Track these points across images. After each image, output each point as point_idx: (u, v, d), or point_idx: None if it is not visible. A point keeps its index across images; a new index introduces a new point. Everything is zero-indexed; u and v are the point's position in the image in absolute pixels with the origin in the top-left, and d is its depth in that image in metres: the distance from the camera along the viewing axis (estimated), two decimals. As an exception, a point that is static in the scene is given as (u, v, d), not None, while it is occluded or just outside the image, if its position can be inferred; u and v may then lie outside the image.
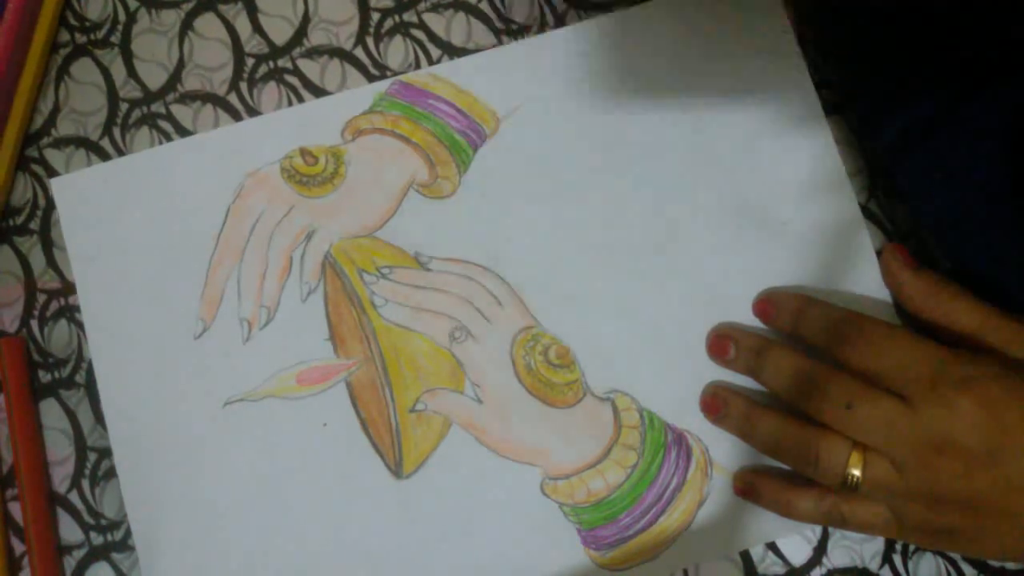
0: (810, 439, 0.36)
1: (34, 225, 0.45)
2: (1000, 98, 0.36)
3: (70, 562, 0.43)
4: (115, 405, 0.43)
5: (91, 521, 0.43)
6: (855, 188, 0.42)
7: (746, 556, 0.41)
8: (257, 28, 0.45)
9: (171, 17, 0.46)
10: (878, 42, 0.39)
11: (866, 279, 0.42)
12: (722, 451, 0.41)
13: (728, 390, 0.41)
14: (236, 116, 0.45)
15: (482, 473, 0.41)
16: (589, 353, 0.42)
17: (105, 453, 0.43)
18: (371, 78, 0.45)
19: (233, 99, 0.45)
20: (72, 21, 0.46)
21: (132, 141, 0.45)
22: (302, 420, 0.42)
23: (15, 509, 0.43)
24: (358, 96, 0.44)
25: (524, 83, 0.44)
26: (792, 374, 0.38)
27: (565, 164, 0.43)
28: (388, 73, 0.45)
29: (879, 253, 0.41)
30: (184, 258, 0.44)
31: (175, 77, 0.45)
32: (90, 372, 0.43)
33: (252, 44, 0.45)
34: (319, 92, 0.45)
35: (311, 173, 0.44)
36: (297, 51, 0.45)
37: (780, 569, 0.41)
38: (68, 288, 0.44)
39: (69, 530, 0.43)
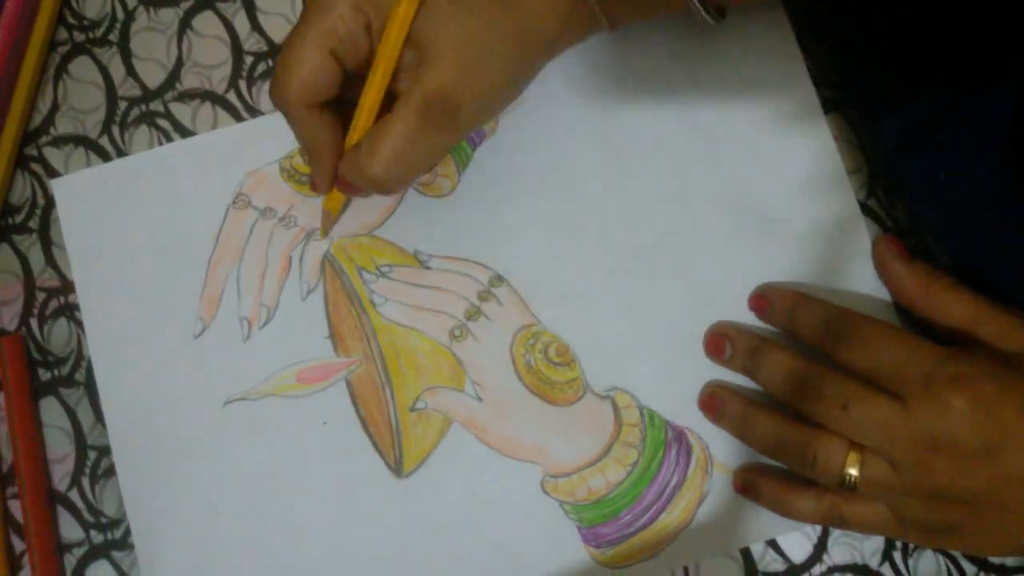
0: (807, 440, 0.37)
1: (33, 223, 0.45)
2: (1000, 97, 0.36)
3: (70, 560, 0.43)
4: (115, 404, 0.43)
5: (91, 519, 0.43)
6: (854, 186, 0.42)
7: (746, 553, 0.41)
8: (256, 26, 0.45)
9: (169, 15, 0.46)
10: (878, 40, 0.38)
11: (865, 276, 0.42)
12: (722, 449, 0.41)
13: (726, 390, 0.41)
14: (235, 114, 0.45)
15: (482, 471, 0.41)
16: (589, 351, 0.42)
17: (105, 451, 0.43)
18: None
19: (232, 97, 0.45)
20: (70, 19, 0.46)
21: (131, 139, 0.45)
22: (302, 419, 0.42)
23: (15, 507, 0.43)
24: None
25: (523, 81, 0.44)
26: (788, 375, 0.38)
27: (564, 162, 0.43)
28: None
29: (873, 245, 0.41)
30: (184, 257, 0.44)
31: (174, 75, 0.45)
32: (90, 370, 0.43)
33: (251, 42, 0.45)
34: (318, 90, 0.45)
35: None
36: (296, 49, 0.45)
37: (780, 566, 0.41)
38: (67, 286, 0.44)
39: (69, 528, 0.43)
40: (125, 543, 0.42)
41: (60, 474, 0.43)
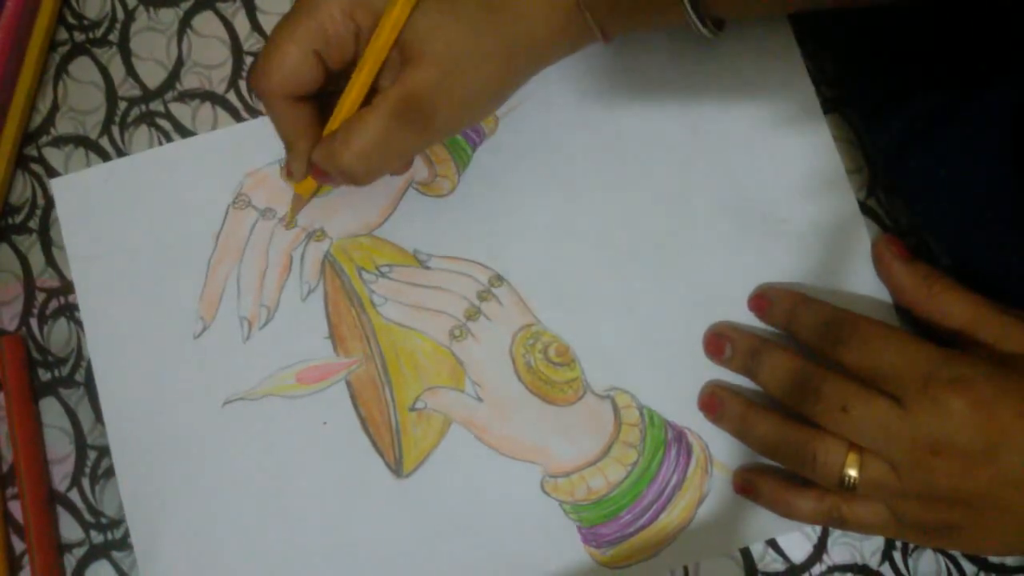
0: (806, 440, 0.37)
1: (33, 224, 0.45)
2: (1000, 97, 0.36)
3: (70, 560, 0.43)
4: (115, 404, 0.43)
5: (91, 519, 0.43)
6: (854, 186, 0.42)
7: (746, 553, 0.41)
8: (256, 26, 0.45)
9: (169, 15, 0.46)
10: (878, 41, 0.38)
11: (865, 276, 0.42)
12: (722, 448, 0.41)
13: (726, 390, 0.41)
14: (235, 114, 0.45)
15: (482, 471, 0.41)
16: (589, 351, 0.42)
17: (105, 451, 0.43)
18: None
19: (232, 97, 0.45)
20: (70, 19, 0.46)
21: (131, 140, 0.45)
22: (302, 419, 0.42)
23: (15, 507, 0.43)
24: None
25: (523, 81, 0.44)
26: (787, 376, 0.38)
27: (564, 162, 0.43)
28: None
29: (873, 245, 0.41)
30: (184, 257, 0.44)
31: (174, 75, 0.45)
32: (90, 370, 0.43)
33: (251, 42, 0.45)
34: (318, 90, 0.45)
35: (310, 172, 0.44)
36: (296, 49, 0.45)
37: (780, 566, 0.41)
38: (67, 286, 0.44)
39: (69, 528, 0.43)
40: (125, 543, 0.42)
41: (60, 474, 0.43)
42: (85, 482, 0.43)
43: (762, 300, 0.41)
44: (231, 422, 0.42)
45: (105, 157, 0.45)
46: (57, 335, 0.44)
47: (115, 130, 0.45)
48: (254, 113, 0.45)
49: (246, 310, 0.43)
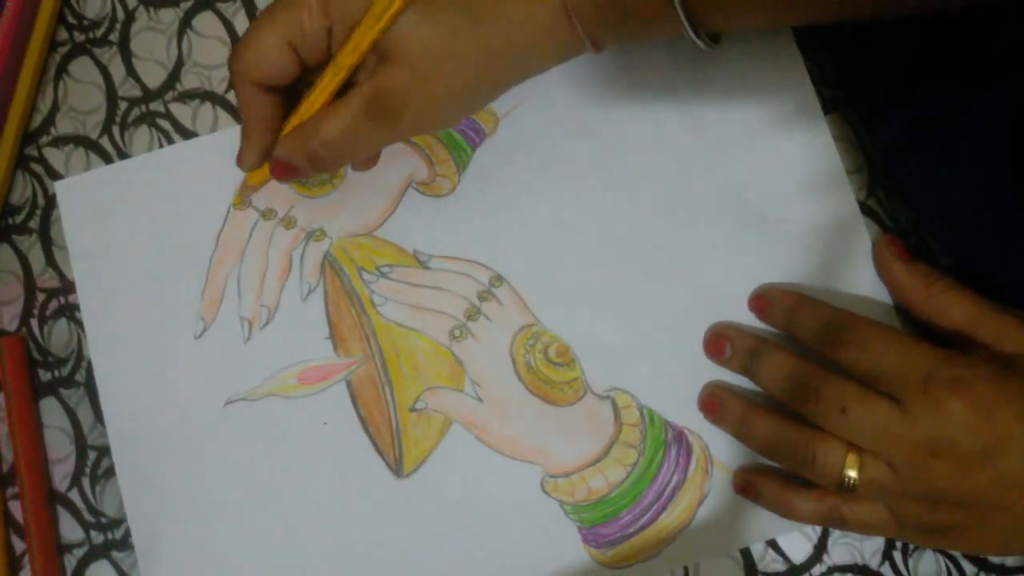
0: (806, 442, 0.37)
1: (33, 224, 0.45)
2: (1000, 97, 0.36)
3: (70, 560, 0.43)
4: (115, 404, 0.43)
5: (91, 519, 0.43)
6: (854, 186, 0.42)
7: (747, 553, 0.41)
8: (256, 26, 0.45)
9: (169, 15, 0.46)
10: (878, 41, 0.38)
11: (865, 277, 0.42)
12: (722, 449, 0.41)
13: (725, 390, 0.41)
14: (235, 114, 0.45)
15: (482, 471, 0.41)
16: (589, 351, 0.42)
17: (105, 451, 0.43)
18: (370, 76, 0.45)
19: (232, 97, 0.45)
20: (71, 20, 0.46)
21: (131, 140, 0.45)
22: (302, 419, 0.42)
23: (15, 507, 0.43)
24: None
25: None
26: (786, 376, 0.38)
27: (564, 162, 0.43)
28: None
29: (873, 245, 0.41)
30: (184, 258, 0.44)
31: (174, 76, 0.45)
32: (90, 371, 0.43)
33: (251, 42, 0.45)
34: (318, 90, 0.45)
35: (310, 172, 0.44)
36: (296, 49, 0.45)
37: (781, 566, 0.41)
38: (68, 287, 0.44)
39: (69, 528, 0.43)
40: (125, 543, 0.42)
41: (60, 474, 0.43)
42: (85, 482, 0.43)
43: (762, 300, 0.41)
44: (232, 422, 0.42)
45: (105, 157, 0.45)
46: (57, 335, 0.44)
47: (115, 130, 0.45)
48: (254, 113, 0.45)
49: (247, 310, 0.43)
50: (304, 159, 0.37)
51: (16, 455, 0.43)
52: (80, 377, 0.44)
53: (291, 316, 0.43)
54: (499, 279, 0.43)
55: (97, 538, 0.43)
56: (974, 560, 0.40)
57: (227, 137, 0.44)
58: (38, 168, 0.45)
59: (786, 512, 0.39)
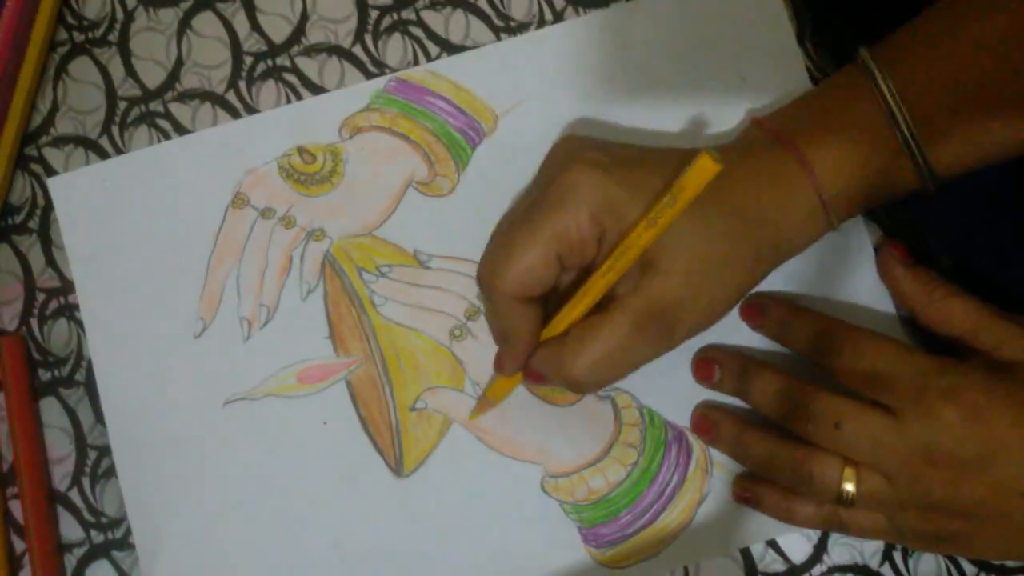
0: (802, 459, 0.36)
1: (33, 224, 0.45)
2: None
3: (70, 560, 0.43)
4: (115, 404, 0.43)
5: (91, 519, 0.43)
6: (855, 185, 0.42)
7: (747, 553, 0.41)
8: (255, 26, 0.45)
9: (169, 16, 0.46)
10: (880, 38, 0.38)
11: (867, 278, 0.41)
12: (722, 449, 0.41)
13: (718, 411, 0.41)
14: (235, 114, 0.45)
15: (482, 471, 0.41)
16: (589, 351, 0.42)
17: (105, 451, 0.43)
18: (369, 76, 0.45)
19: (231, 97, 0.45)
20: (70, 20, 0.46)
21: (131, 140, 0.45)
22: (302, 419, 0.42)
23: (16, 507, 0.43)
24: (355, 94, 0.44)
25: (523, 80, 0.44)
26: (778, 396, 0.38)
27: (564, 162, 0.43)
28: (387, 71, 0.45)
29: (876, 249, 0.41)
30: (183, 257, 0.44)
31: (173, 76, 0.45)
32: (90, 370, 0.43)
33: (250, 42, 0.45)
34: (317, 90, 0.45)
35: (309, 171, 0.44)
36: (295, 49, 0.45)
37: (781, 567, 0.41)
38: (67, 287, 0.44)
39: (69, 528, 0.43)
40: (125, 543, 0.42)
41: (60, 474, 0.43)
42: (85, 482, 0.43)
43: (753, 309, 0.41)
44: (232, 422, 0.42)
45: (105, 157, 0.45)
46: (57, 335, 0.44)
47: (115, 130, 0.45)
48: (253, 112, 0.45)
49: (246, 310, 0.43)
50: (562, 380, 0.36)
51: (16, 455, 0.43)
52: (80, 377, 0.44)
53: (291, 316, 0.43)
54: (499, 279, 0.43)
55: (97, 538, 0.43)
56: (974, 560, 0.40)
57: (225, 133, 0.44)
58: (38, 168, 0.45)
59: (787, 519, 0.39)
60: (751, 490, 0.40)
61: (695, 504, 0.41)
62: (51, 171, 0.45)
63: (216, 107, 0.45)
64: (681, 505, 0.41)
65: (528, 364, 0.37)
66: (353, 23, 0.45)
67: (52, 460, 0.43)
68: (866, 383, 0.36)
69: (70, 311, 0.44)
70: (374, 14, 0.45)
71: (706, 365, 0.41)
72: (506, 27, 0.45)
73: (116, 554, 0.43)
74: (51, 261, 0.45)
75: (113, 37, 0.46)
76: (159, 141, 0.45)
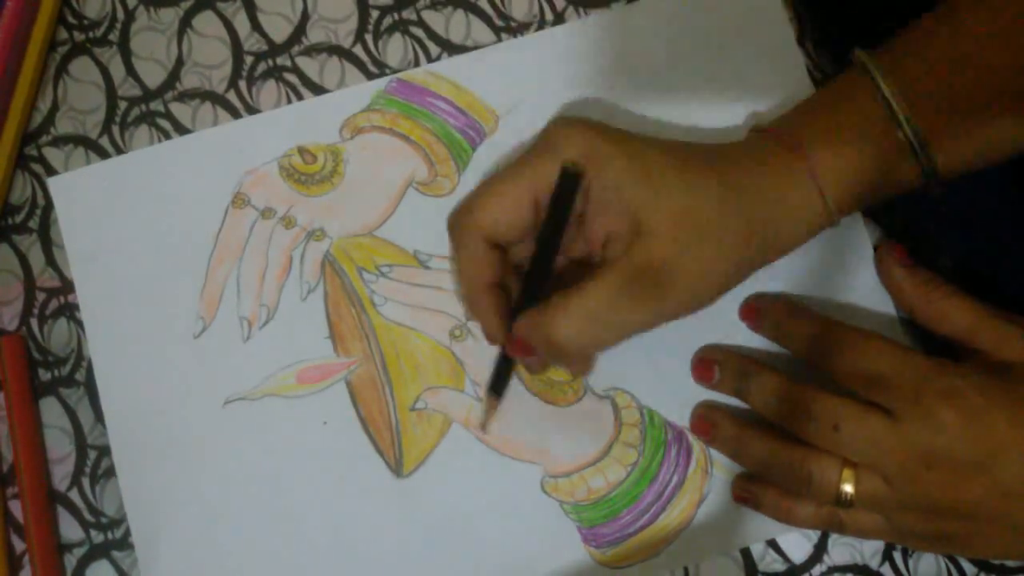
0: (801, 460, 0.37)
1: (33, 223, 0.45)
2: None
3: (70, 560, 0.43)
4: (115, 404, 0.43)
5: (91, 519, 0.43)
6: (855, 185, 0.42)
7: (747, 553, 0.41)
8: (256, 26, 0.45)
9: (169, 15, 0.46)
10: (879, 40, 0.38)
11: (867, 279, 0.42)
12: (722, 449, 0.41)
13: (717, 411, 0.41)
14: (235, 114, 0.45)
15: (482, 471, 0.41)
16: (589, 351, 0.42)
17: (105, 451, 0.43)
18: (370, 76, 0.45)
19: (232, 97, 0.45)
20: (70, 19, 0.46)
21: (131, 139, 0.45)
22: (302, 419, 0.42)
23: (15, 507, 0.43)
24: (356, 94, 0.44)
25: (523, 81, 0.44)
26: (777, 397, 0.38)
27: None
28: (387, 71, 0.45)
29: (876, 249, 0.41)
30: (183, 256, 0.44)
31: (174, 75, 0.45)
32: (90, 370, 0.43)
33: (251, 42, 0.45)
34: (318, 90, 0.45)
35: (310, 172, 0.44)
36: (296, 49, 0.45)
37: (781, 566, 0.41)
38: (67, 286, 0.44)
39: (69, 528, 0.43)
40: (125, 543, 0.42)
41: (60, 474, 0.43)
42: (85, 482, 0.43)
43: (751, 310, 0.41)
44: (231, 422, 0.42)
45: (105, 157, 0.45)
46: (57, 335, 0.44)
47: (115, 130, 0.45)
48: (253, 112, 0.45)
49: (246, 310, 0.43)
50: (546, 344, 0.35)
51: (16, 455, 0.42)
52: (80, 377, 0.44)
53: (291, 316, 0.43)
54: (499, 279, 0.43)
55: (97, 538, 0.43)
56: (974, 560, 0.40)
57: (225, 133, 0.44)
58: (38, 168, 0.45)
59: (787, 519, 0.39)
60: (750, 490, 0.40)
61: (695, 504, 0.41)
62: (51, 171, 0.45)
63: (216, 107, 0.45)
64: (681, 505, 0.41)
65: (511, 333, 0.36)
66: (354, 23, 0.45)
67: (52, 460, 0.43)
68: (864, 384, 0.36)
69: (70, 311, 0.44)
70: (375, 14, 0.45)
71: (706, 365, 0.41)
72: (507, 27, 0.45)
73: (116, 554, 0.43)
74: (51, 261, 0.45)
75: (113, 37, 0.46)
76: (159, 141, 0.45)
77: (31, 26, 0.45)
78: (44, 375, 0.44)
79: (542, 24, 0.45)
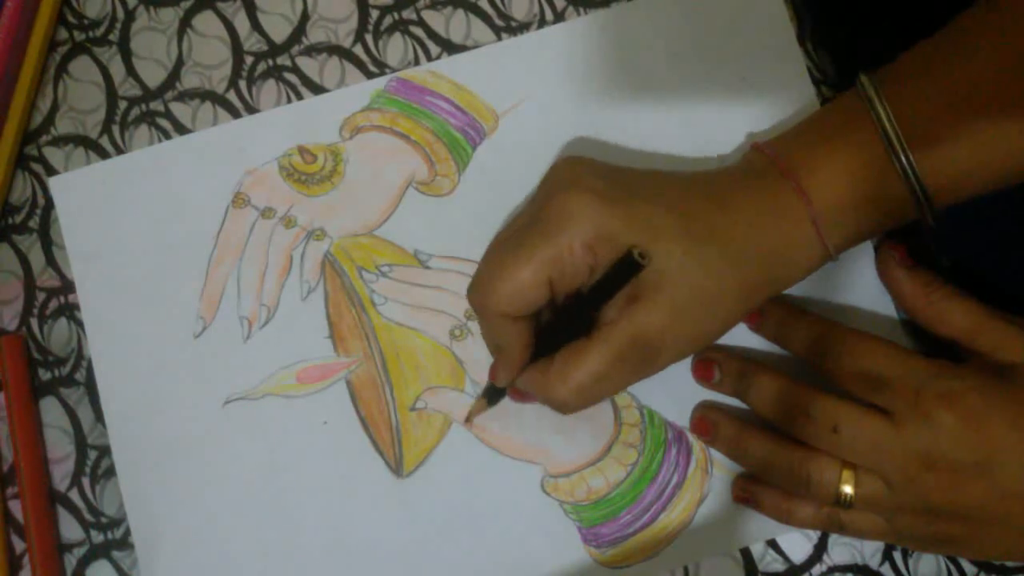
0: (800, 462, 0.37)
1: (33, 223, 0.45)
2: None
3: (70, 560, 0.43)
4: (115, 404, 0.43)
5: (91, 519, 0.43)
6: (855, 185, 0.42)
7: (747, 553, 0.41)
8: (256, 26, 0.45)
9: (170, 15, 0.46)
10: (879, 40, 0.38)
11: (866, 278, 0.42)
12: (722, 449, 0.41)
13: (717, 411, 0.41)
14: (235, 114, 0.45)
15: (482, 471, 0.41)
16: (589, 351, 0.42)
17: (105, 451, 0.43)
18: (370, 76, 0.45)
19: (232, 97, 0.45)
20: (70, 19, 0.46)
21: (131, 139, 0.45)
22: (302, 419, 0.42)
23: (15, 507, 0.43)
24: (356, 93, 0.44)
25: (523, 80, 0.44)
26: (777, 398, 0.38)
27: (565, 162, 0.43)
28: (387, 71, 0.45)
29: (876, 250, 0.41)
30: (184, 256, 0.44)
31: (174, 75, 0.45)
32: (90, 370, 0.43)
33: (251, 42, 0.45)
34: (318, 90, 0.45)
35: (310, 171, 0.44)
36: (296, 49, 0.45)
37: (781, 566, 0.41)
38: (67, 286, 0.44)
39: (69, 528, 0.43)
40: (125, 543, 0.42)
41: (60, 474, 0.43)
42: (85, 482, 0.43)
43: (752, 312, 0.41)
44: (231, 422, 0.42)
45: (105, 157, 0.45)
46: (57, 335, 0.44)
47: (115, 129, 0.45)
48: (253, 112, 0.45)
49: (246, 310, 0.43)
50: (545, 400, 0.36)
51: (16, 455, 0.42)
52: (80, 376, 0.44)
53: (291, 315, 0.43)
54: (499, 279, 0.43)
55: (97, 537, 0.43)
56: (974, 560, 0.40)
57: (225, 133, 0.44)
58: (38, 167, 0.45)
59: (787, 520, 0.39)
60: (750, 491, 0.40)
61: (695, 504, 0.41)
62: (51, 170, 0.45)
63: (216, 107, 0.45)
64: (681, 505, 0.41)
65: (514, 385, 0.38)
66: (354, 23, 0.45)
67: (52, 460, 0.43)
68: (864, 386, 0.36)
69: (70, 311, 0.44)
70: (375, 14, 0.45)
71: (706, 366, 0.41)
72: (507, 27, 0.45)
73: (116, 554, 0.43)
74: (51, 261, 0.45)
75: (114, 36, 0.46)
76: (159, 141, 0.45)
77: (31, 26, 0.45)
78: (44, 375, 0.44)
79: (542, 23, 0.45)
